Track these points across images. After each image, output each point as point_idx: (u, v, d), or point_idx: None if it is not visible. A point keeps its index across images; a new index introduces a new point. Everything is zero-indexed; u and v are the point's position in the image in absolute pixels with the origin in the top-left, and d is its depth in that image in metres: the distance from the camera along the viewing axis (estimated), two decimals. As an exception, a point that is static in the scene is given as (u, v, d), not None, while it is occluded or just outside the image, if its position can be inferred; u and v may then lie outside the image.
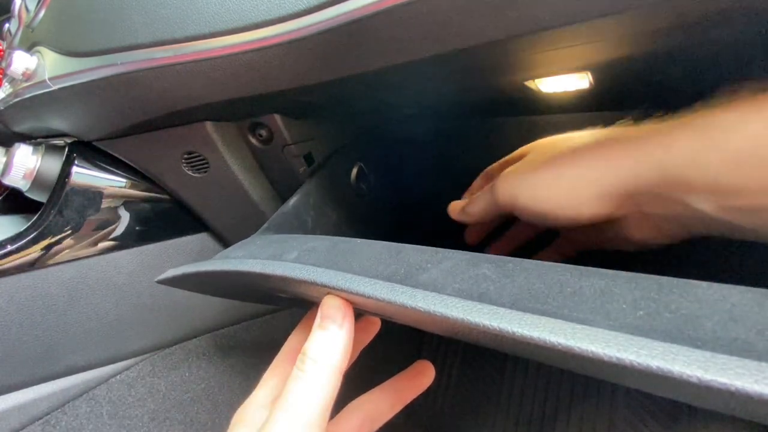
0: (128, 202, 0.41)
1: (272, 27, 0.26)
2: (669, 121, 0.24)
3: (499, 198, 0.31)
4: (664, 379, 0.14)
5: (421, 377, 0.31)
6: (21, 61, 0.34)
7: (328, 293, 0.23)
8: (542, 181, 0.28)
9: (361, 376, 0.33)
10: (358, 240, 0.26)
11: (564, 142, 0.30)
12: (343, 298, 0.23)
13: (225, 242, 0.47)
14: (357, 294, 0.21)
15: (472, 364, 0.68)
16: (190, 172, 0.39)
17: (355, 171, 0.44)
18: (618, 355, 0.14)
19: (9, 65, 0.34)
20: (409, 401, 0.31)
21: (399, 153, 0.51)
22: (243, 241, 0.31)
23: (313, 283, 0.22)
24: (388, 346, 0.62)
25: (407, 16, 0.23)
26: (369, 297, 0.20)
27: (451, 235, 0.41)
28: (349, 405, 0.29)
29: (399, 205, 0.52)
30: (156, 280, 0.31)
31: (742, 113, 0.21)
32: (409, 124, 0.48)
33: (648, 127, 0.25)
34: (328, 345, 0.23)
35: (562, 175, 0.27)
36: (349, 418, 0.29)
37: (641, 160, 0.24)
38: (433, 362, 0.31)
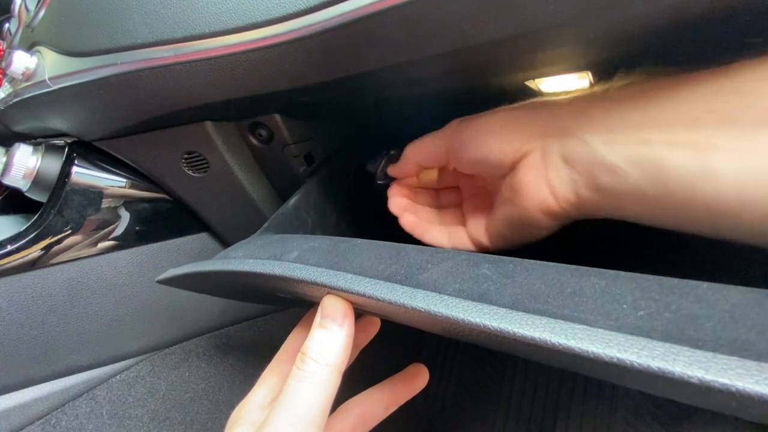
0: (128, 202, 0.41)
1: (272, 27, 0.26)
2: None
3: (447, 134, 0.30)
4: (665, 380, 0.14)
5: (415, 380, 0.31)
6: (21, 61, 0.34)
7: (329, 293, 0.23)
8: (484, 121, 0.28)
9: (361, 376, 0.33)
10: (359, 240, 0.26)
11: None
12: (343, 297, 0.23)
13: (225, 242, 0.47)
14: (357, 294, 0.21)
15: (472, 364, 0.68)
16: (190, 172, 0.39)
17: (355, 169, 0.44)
18: (618, 355, 0.14)
19: (9, 65, 0.34)
20: (402, 403, 0.31)
21: (400, 152, 0.51)
22: (243, 241, 0.31)
23: (314, 284, 0.22)
24: (388, 347, 0.62)
25: (406, 16, 0.22)
26: (369, 297, 0.20)
27: None
28: (344, 405, 0.29)
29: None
30: (156, 280, 0.31)
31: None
32: (410, 123, 0.48)
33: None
34: (328, 344, 0.23)
35: (501, 118, 0.28)
36: (344, 418, 0.29)
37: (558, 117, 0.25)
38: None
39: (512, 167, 0.27)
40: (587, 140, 0.22)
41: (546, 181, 0.25)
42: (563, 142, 0.24)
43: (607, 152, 0.22)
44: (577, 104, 0.24)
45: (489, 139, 0.27)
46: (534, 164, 0.25)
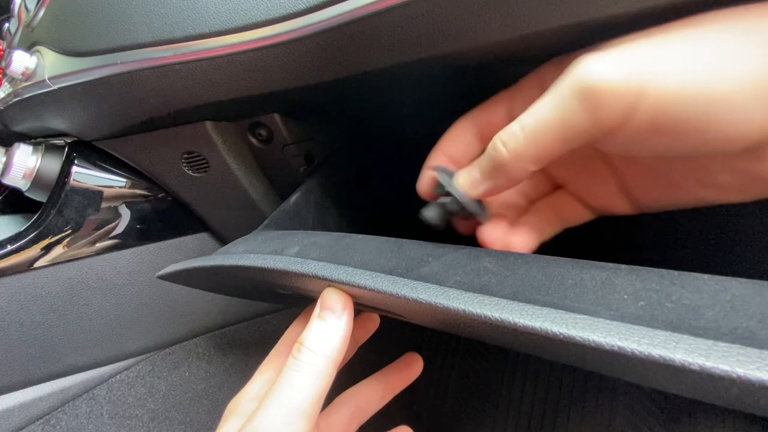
0: (128, 202, 0.41)
1: (272, 27, 0.26)
2: None
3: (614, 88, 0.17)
4: (665, 368, 0.14)
5: (409, 368, 0.32)
6: (21, 61, 0.34)
7: (329, 286, 0.24)
8: (694, 47, 0.17)
9: (359, 374, 0.33)
10: (360, 235, 0.26)
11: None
12: (343, 291, 0.23)
13: (225, 242, 0.47)
14: (358, 286, 0.21)
15: (472, 363, 0.68)
16: (190, 172, 0.39)
17: (356, 169, 0.44)
18: (620, 343, 0.14)
19: (9, 65, 0.34)
20: (398, 392, 0.31)
21: (400, 151, 0.51)
22: (244, 236, 0.31)
23: (315, 277, 0.22)
24: (387, 346, 0.62)
25: (407, 16, 0.23)
26: (370, 289, 0.20)
27: (453, 233, 0.41)
28: (339, 397, 0.29)
29: (400, 203, 0.52)
30: (157, 275, 0.31)
31: None
32: (410, 122, 0.48)
33: None
34: (325, 335, 0.23)
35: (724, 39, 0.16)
36: (340, 409, 0.29)
37: None
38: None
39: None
40: None
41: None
42: None
43: None
44: None
45: (731, 104, 0.16)
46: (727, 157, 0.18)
